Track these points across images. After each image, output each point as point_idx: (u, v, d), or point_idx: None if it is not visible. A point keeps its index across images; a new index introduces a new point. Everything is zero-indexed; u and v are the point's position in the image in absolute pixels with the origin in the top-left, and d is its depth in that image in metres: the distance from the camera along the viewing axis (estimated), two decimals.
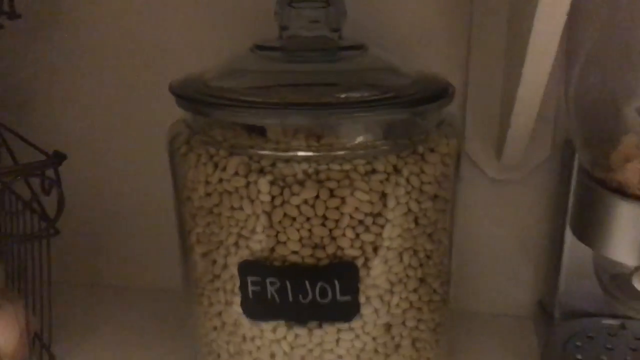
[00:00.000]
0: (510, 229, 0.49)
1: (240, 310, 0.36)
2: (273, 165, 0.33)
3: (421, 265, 0.36)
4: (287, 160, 0.33)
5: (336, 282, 0.34)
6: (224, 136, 0.35)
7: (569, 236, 0.45)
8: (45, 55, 0.51)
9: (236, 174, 0.33)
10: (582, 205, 0.38)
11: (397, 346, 0.37)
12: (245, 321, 0.36)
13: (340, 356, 0.36)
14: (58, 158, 0.40)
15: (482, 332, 0.49)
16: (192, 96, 0.36)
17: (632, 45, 0.33)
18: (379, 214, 0.34)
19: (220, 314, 0.37)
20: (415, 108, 0.34)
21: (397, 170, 0.34)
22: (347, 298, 0.34)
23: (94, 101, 0.52)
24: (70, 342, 0.48)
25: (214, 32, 0.48)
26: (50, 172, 0.40)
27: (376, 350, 0.36)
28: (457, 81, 0.46)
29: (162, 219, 0.47)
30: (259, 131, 0.34)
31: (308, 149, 0.33)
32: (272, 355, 0.36)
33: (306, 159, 0.33)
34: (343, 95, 0.35)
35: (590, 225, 0.37)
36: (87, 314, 0.52)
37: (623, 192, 0.35)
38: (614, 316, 0.46)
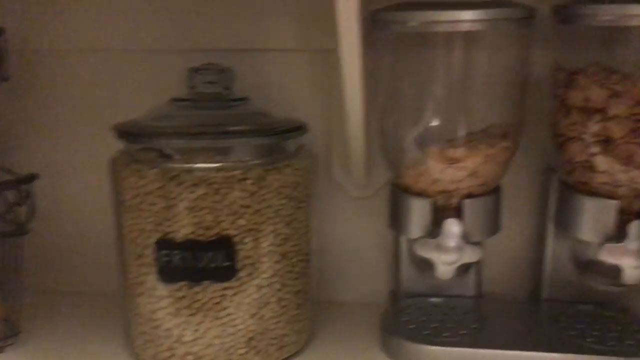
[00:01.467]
0: (368, 234, 0.67)
1: (156, 276, 0.52)
2: (178, 175, 0.50)
3: (282, 244, 0.53)
4: (189, 171, 0.50)
5: (220, 253, 0.50)
6: (147, 157, 0.52)
7: (403, 238, 0.62)
8: (21, 105, 0.67)
9: (153, 180, 0.50)
10: (392, 205, 0.56)
11: (267, 303, 0.53)
12: (159, 284, 0.52)
13: (225, 307, 0.52)
14: (32, 176, 0.56)
15: (346, 314, 0.65)
16: (129, 131, 0.53)
17: (403, 102, 0.52)
18: (249, 206, 0.51)
19: (142, 282, 0.53)
20: (271, 137, 0.52)
21: (262, 178, 0.51)
22: (228, 264, 0.51)
23: (55, 139, 0.68)
24: (32, 324, 0.62)
25: (142, 92, 0.65)
26: (25, 187, 0.56)
27: (250, 304, 0.52)
28: (324, 126, 0.65)
29: (102, 233, 0.63)
30: (171, 152, 0.51)
31: (203, 163, 0.51)
32: (178, 309, 0.52)
33: (201, 170, 0.50)
34: (230, 129, 0.53)
35: (397, 218, 0.55)
36: (40, 307, 0.67)
37: (410, 191, 0.53)
38: (441, 296, 0.63)
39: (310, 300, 0.58)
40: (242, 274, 0.51)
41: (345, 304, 0.68)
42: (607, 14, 0.46)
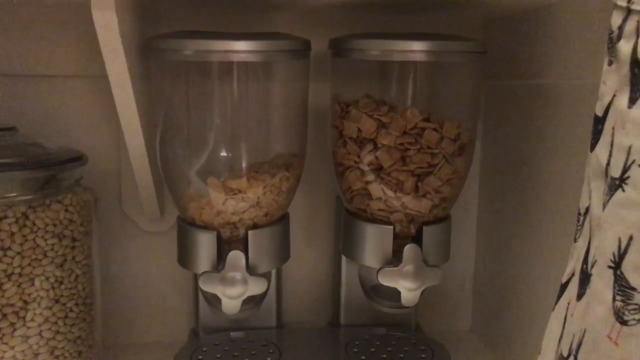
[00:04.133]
0: (165, 271, 0.63)
1: None
2: None
3: (53, 288, 0.48)
4: None
5: None
6: None
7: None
8: None
9: None
10: (179, 240, 0.53)
11: (36, 354, 0.48)
12: None
13: None
14: None
15: (144, 357, 0.62)
16: None
17: (182, 133, 0.51)
18: (10, 248, 0.46)
19: None
20: (37, 170, 0.47)
21: (26, 216, 0.46)
22: None
23: None
24: None
25: None
26: None
27: (14, 357, 0.47)
28: (114, 157, 0.61)
29: None
30: None
31: None
32: None
33: None
34: None
35: (184, 253, 0.53)
36: None
37: (195, 224, 0.51)
38: (243, 329, 0.61)
39: (94, 346, 0.53)
40: (2, 325, 0.46)
41: (145, 345, 0.64)
42: (374, 49, 0.48)
